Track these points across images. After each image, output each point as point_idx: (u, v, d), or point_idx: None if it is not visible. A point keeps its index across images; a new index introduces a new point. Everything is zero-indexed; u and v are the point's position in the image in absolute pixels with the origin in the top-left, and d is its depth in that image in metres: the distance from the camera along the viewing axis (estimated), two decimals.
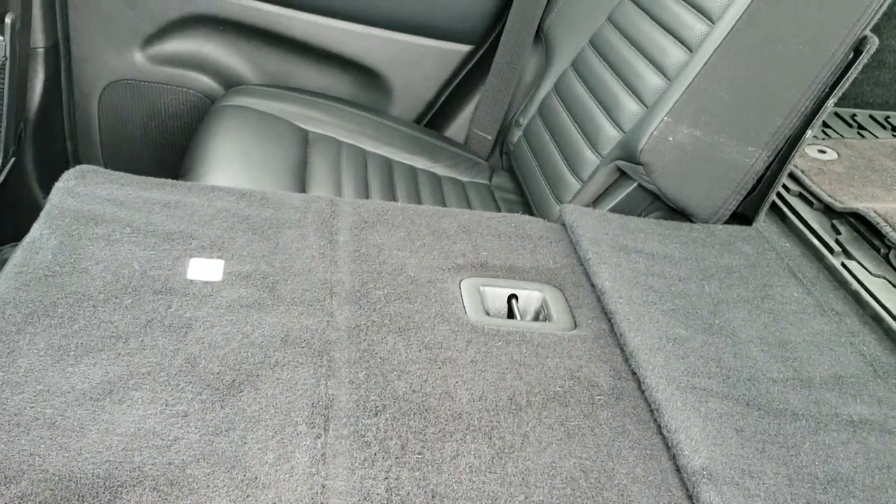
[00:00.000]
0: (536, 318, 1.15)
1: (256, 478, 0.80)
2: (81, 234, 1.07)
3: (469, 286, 1.14)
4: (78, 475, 0.76)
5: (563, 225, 1.32)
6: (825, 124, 1.75)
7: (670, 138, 1.28)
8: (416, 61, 1.93)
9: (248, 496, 0.78)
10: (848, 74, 1.25)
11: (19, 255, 1.02)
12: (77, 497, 0.75)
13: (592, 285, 1.16)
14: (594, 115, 1.50)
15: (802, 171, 1.50)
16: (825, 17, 1.23)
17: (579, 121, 1.55)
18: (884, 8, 1.22)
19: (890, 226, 1.29)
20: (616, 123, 1.43)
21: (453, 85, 1.99)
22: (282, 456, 0.82)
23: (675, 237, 1.28)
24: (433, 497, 0.81)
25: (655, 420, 0.93)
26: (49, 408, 0.82)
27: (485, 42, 1.95)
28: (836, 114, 1.88)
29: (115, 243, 1.07)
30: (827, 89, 1.27)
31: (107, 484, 0.76)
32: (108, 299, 0.98)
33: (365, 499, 0.79)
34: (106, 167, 2.01)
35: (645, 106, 1.38)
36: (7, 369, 0.86)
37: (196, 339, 0.94)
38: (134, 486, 0.76)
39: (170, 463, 0.79)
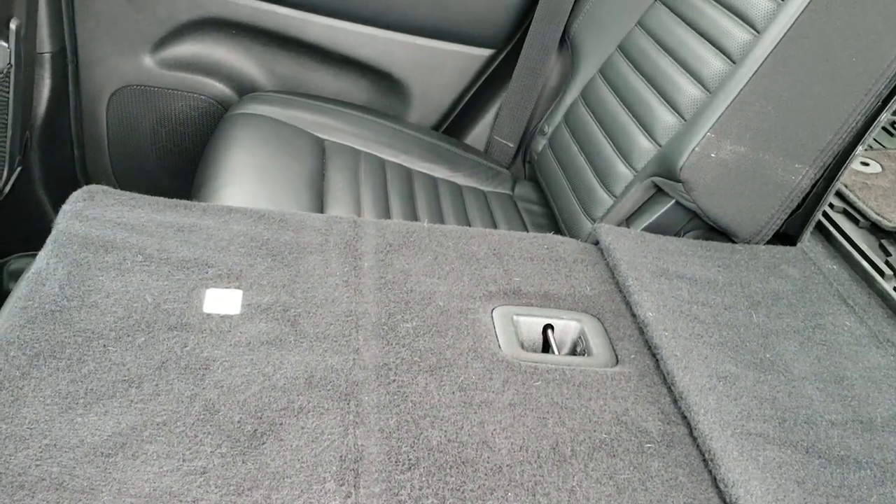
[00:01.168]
0: (574, 351, 1.08)
1: None
2: (90, 262, 1.00)
3: (502, 315, 1.07)
4: None
5: (598, 245, 1.25)
6: None
7: (713, 155, 1.21)
8: (435, 66, 1.86)
9: None
10: None
11: (24, 287, 0.95)
12: None
13: (633, 315, 1.09)
14: (626, 127, 1.43)
15: (846, 186, 1.43)
16: (880, 27, 1.16)
17: (610, 132, 1.47)
18: None
19: None
20: (651, 136, 1.35)
21: (474, 90, 1.92)
22: None
23: (717, 259, 1.21)
24: None
25: (710, 471, 0.86)
26: (56, 465, 0.76)
27: (507, 46, 1.88)
28: None
29: (127, 273, 1.00)
30: (880, 103, 1.19)
31: None
32: (120, 337, 0.91)
33: None
34: (114, 175, 1.98)
35: (682, 118, 1.31)
36: (11, 421, 0.79)
37: (214, 382, 0.88)
38: None
39: None
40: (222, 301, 0.99)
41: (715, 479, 0.85)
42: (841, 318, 1.14)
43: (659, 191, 1.33)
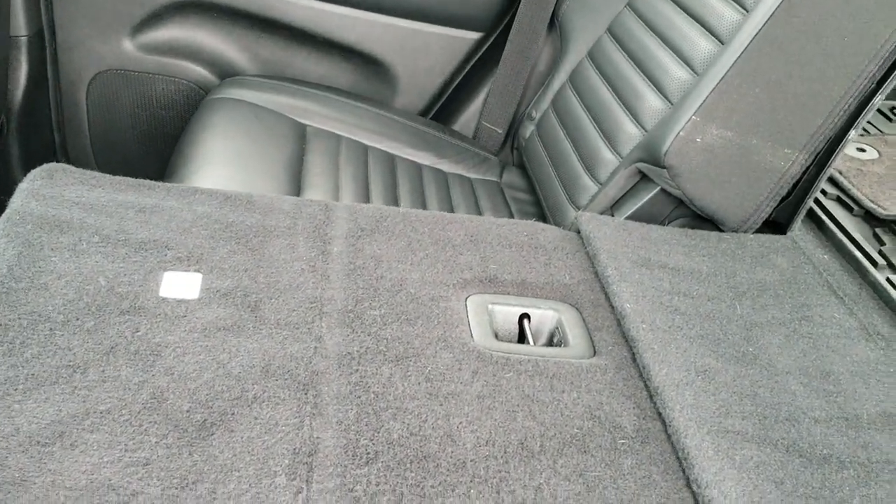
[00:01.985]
0: (550, 342, 1.03)
1: None
2: (44, 243, 0.96)
3: (476, 304, 1.02)
4: None
5: (580, 233, 1.20)
6: None
7: (698, 140, 1.16)
8: (421, 49, 1.81)
9: None
10: None
11: None
12: None
13: (612, 306, 1.05)
14: (613, 111, 1.38)
15: (840, 173, 1.37)
16: (872, 6, 1.11)
17: (596, 116, 1.43)
18: None
19: None
20: (637, 121, 1.31)
21: (462, 75, 1.87)
22: None
23: (702, 249, 1.16)
24: None
25: (684, 470, 0.82)
26: None
27: (495, 29, 1.83)
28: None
29: (82, 254, 0.96)
30: (873, 85, 1.14)
31: None
32: (68, 321, 0.87)
33: None
34: (95, 160, 1.93)
35: (669, 102, 1.26)
36: None
37: (164, 369, 0.84)
38: None
39: None
40: (180, 285, 0.95)
41: (688, 479, 0.81)
42: (829, 310, 1.09)
43: (644, 177, 1.28)
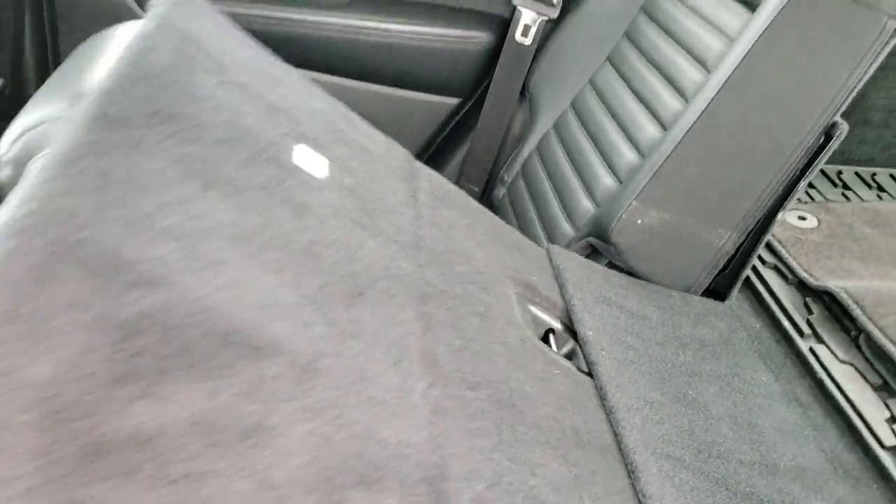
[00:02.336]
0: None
1: (384, 402, 0.69)
2: (193, 57, 0.88)
3: (518, 302, 1.10)
4: (215, 315, 0.62)
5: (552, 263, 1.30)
6: (810, 185, 1.75)
7: (639, 221, 1.29)
8: (404, 114, 1.95)
9: (376, 417, 0.67)
10: (818, 160, 1.25)
11: (134, 46, 0.83)
12: (221, 339, 0.62)
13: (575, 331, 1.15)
14: (572, 185, 1.51)
15: (780, 242, 1.50)
16: (796, 105, 1.23)
17: (558, 188, 1.56)
18: (853, 95, 1.22)
19: (861, 308, 1.29)
20: (591, 197, 1.44)
21: (441, 137, 2.00)
22: (403, 388, 0.72)
23: (653, 300, 1.28)
24: (533, 500, 0.74)
25: (633, 483, 0.92)
26: (178, 223, 0.67)
27: (472, 95, 1.96)
28: (822, 171, 1.88)
29: (227, 87, 0.89)
30: (797, 173, 1.27)
31: (248, 341, 0.64)
32: (226, 141, 0.82)
33: (475, 473, 0.71)
34: None
35: (619, 181, 1.38)
36: (132, 159, 0.69)
37: (311, 228, 0.81)
38: (273, 356, 0.64)
39: (303, 348, 0.68)
40: (310, 161, 0.93)
41: (636, 490, 0.90)
42: (758, 374, 1.21)
43: (595, 250, 1.41)
